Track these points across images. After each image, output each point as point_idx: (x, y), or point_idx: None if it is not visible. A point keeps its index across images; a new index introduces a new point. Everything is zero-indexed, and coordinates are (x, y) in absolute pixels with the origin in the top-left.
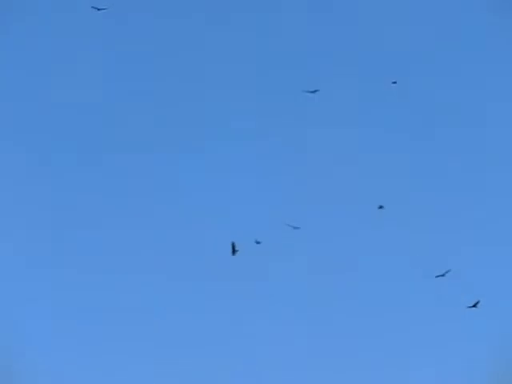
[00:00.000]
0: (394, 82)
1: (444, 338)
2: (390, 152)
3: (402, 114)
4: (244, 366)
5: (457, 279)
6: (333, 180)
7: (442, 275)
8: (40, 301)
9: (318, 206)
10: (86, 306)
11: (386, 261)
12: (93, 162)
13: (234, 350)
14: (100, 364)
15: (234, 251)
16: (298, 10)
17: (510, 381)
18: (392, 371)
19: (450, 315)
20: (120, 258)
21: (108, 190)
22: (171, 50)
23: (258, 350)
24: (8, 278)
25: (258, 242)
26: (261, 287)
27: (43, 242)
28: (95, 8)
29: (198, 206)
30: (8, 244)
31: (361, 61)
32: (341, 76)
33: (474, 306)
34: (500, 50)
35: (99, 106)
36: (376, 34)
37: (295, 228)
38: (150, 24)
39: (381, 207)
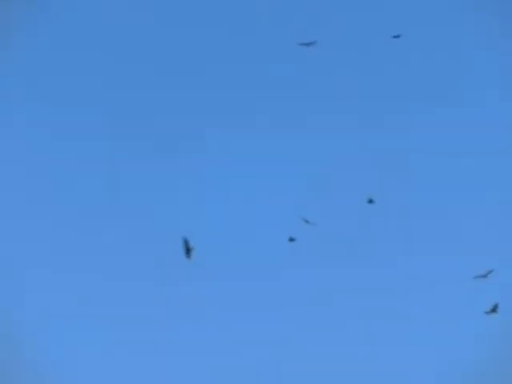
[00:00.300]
0: (397, 36)
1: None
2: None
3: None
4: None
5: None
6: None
7: (484, 276)
8: (39, 300)
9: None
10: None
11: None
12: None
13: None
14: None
15: (188, 251)
16: None
17: None
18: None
19: (468, 319)
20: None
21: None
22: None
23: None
24: (7, 278)
25: (291, 239)
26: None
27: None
28: None
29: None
30: (7, 243)
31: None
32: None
33: (493, 310)
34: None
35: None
36: None
37: (307, 222)
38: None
39: (370, 201)
